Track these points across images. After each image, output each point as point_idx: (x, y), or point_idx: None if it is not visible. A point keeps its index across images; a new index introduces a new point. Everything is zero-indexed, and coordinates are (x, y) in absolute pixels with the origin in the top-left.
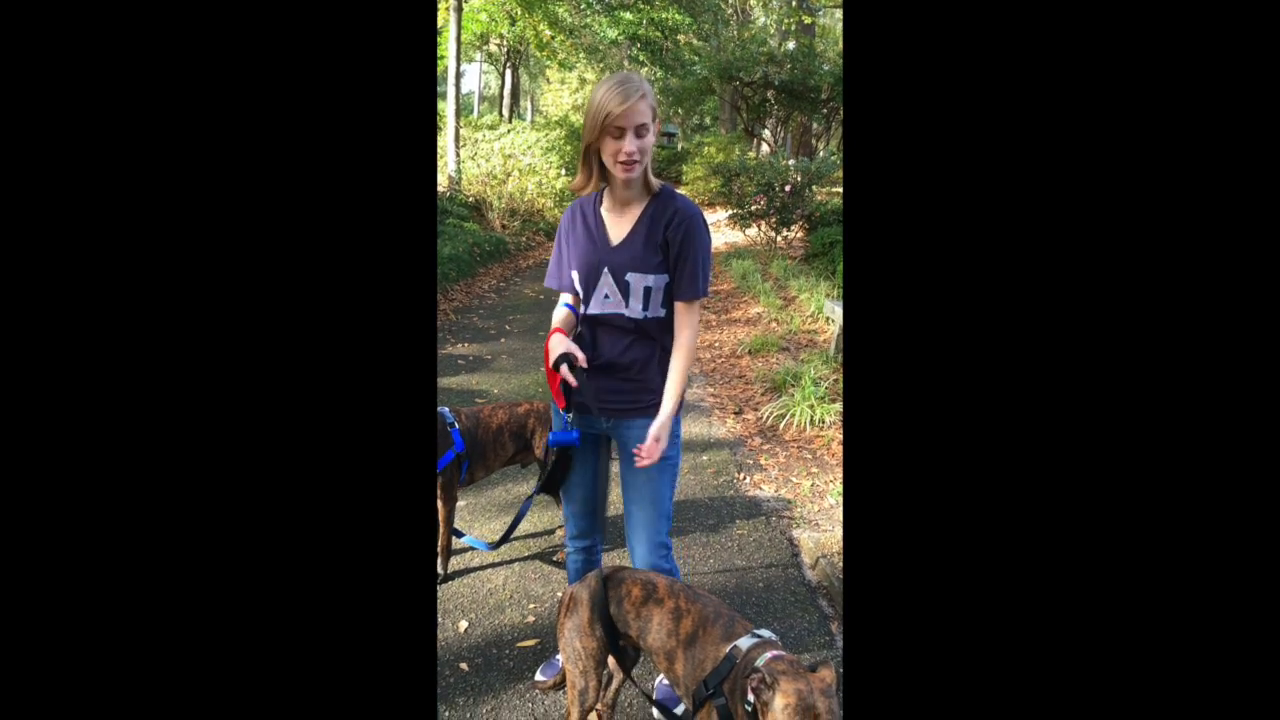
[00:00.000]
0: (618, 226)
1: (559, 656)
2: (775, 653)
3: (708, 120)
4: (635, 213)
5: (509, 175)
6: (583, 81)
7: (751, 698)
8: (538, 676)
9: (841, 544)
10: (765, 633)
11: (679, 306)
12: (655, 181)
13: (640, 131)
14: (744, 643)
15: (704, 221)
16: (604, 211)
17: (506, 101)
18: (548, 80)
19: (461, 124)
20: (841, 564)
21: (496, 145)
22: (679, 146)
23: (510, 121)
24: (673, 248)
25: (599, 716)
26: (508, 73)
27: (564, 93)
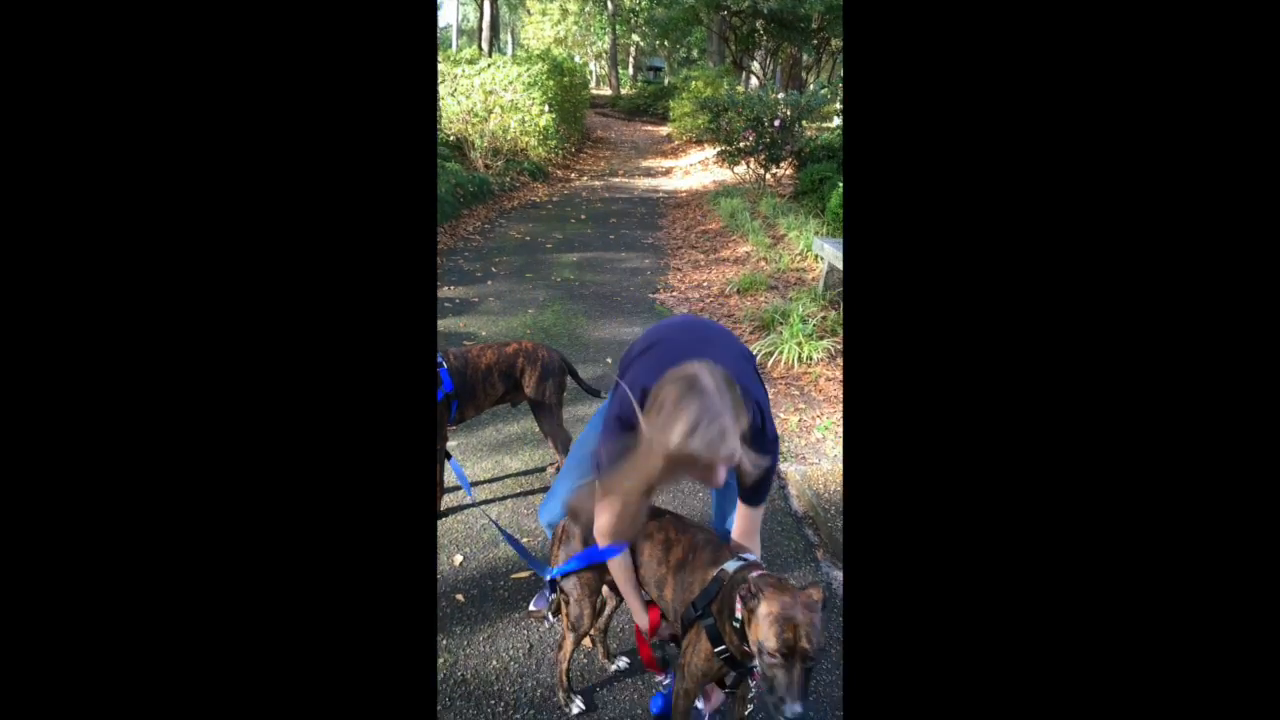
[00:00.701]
0: None
1: (547, 590)
2: (761, 573)
3: (695, 53)
4: None
5: (490, 112)
6: (564, 12)
7: (739, 613)
8: (531, 607)
9: (826, 476)
10: (751, 556)
11: (747, 511)
12: None
13: (729, 459)
14: (730, 566)
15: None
16: None
17: (486, 35)
18: (528, 11)
19: (439, 59)
20: (826, 495)
21: (476, 81)
22: (665, 81)
23: (490, 56)
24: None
25: (592, 641)
26: (486, 4)
27: (545, 25)
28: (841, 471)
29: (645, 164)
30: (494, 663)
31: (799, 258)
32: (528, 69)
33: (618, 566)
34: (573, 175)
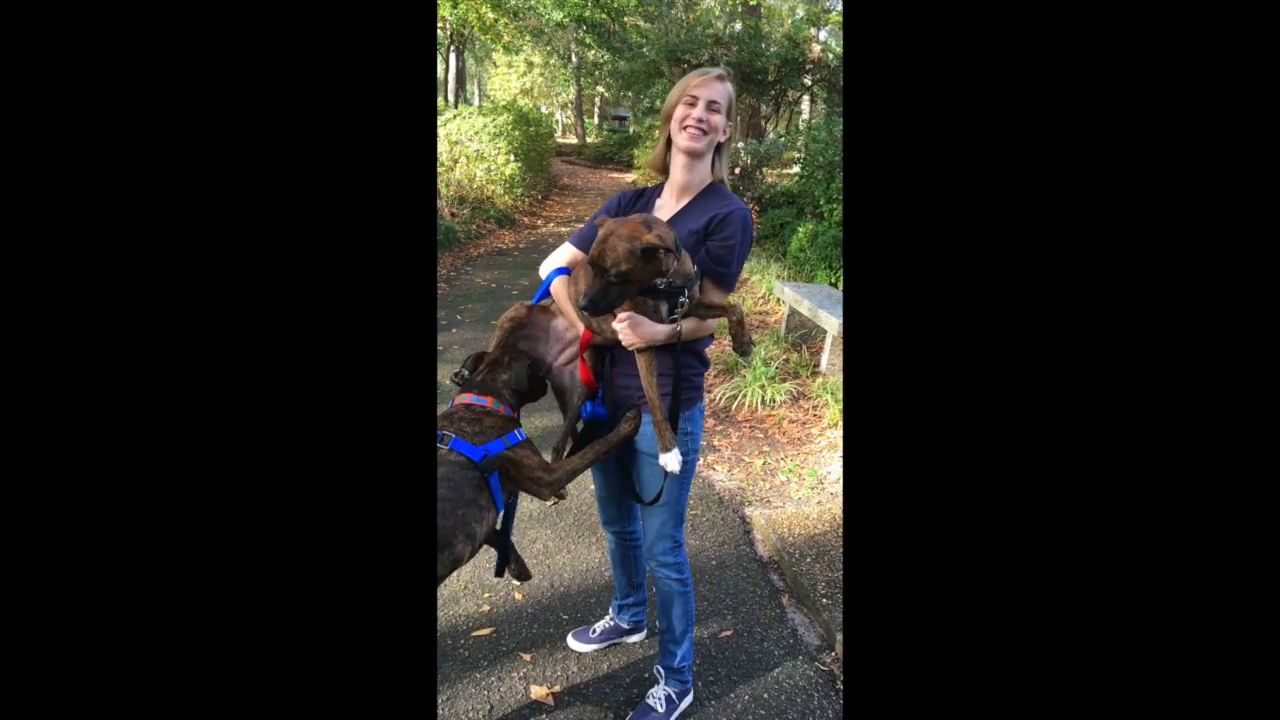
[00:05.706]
0: (665, 210)
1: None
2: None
3: (658, 103)
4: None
5: (456, 162)
6: (530, 65)
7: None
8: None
9: (791, 520)
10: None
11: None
12: (725, 178)
13: (712, 107)
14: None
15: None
16: (658, 201)
17: (452, 86)
18: (494, 64)
19: None
20: (791, 539)
21: (442, 132)
22: (630, 130)
23: (456, 107)
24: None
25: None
26: (453, 57)
27: (511, 76)
28: (806, 515)
29: None
30: None
31: (761, 301)
32: (493, 119)
33: (559, 286)
34: (539, 222)
